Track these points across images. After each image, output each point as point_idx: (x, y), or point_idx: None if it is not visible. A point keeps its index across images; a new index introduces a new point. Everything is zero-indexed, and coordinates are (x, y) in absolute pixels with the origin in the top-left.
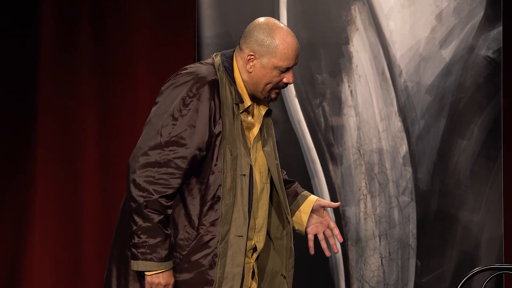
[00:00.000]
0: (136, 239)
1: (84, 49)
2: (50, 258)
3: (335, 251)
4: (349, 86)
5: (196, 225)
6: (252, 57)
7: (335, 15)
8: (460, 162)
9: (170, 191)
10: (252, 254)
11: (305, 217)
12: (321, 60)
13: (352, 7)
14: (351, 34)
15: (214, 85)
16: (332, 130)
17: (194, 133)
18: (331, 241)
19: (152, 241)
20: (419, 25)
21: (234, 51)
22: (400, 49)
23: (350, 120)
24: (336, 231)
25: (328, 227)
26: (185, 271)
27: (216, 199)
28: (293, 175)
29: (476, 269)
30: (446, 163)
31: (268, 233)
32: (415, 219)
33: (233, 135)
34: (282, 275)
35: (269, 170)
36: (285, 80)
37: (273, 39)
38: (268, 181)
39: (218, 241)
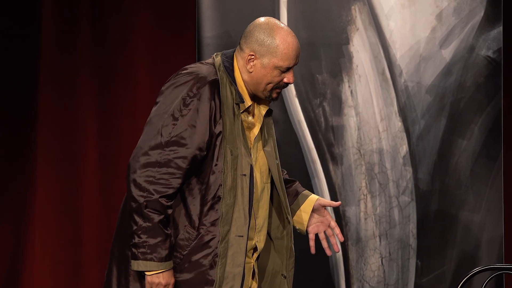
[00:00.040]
0: (137, 239)
1: (84, 49)
2: (50, 258)
3: (336, 250)
4: (349, 86)
5: (197, 225)
6: (253, 57)
7: (335, 15)
8: (460, 162)
9: (170, 191)
10: (253, 254)
11: (306, 217)
12: (321, 60)
13: (353, 7)
14: (352, 34)
15: (215, 85)
16: (332, 130)
17: (195, 133)
18: (332, 240)
19: (152, 241)
20: (420, 25)
21: (234, 51)
22: (400, 49)
23: (351, 120)
24: (337, 230)
25: (329, 226)
26: (185, 271)
27: (217, 199)
28: (294, 175)
29: (476, 269)
30: (447, 163)
31: (268, 233)
32: (415, 219)
33: (234, 135)
34: (282, 275)
35: (269, 170)
36: (285, 80)
37: (273, 39)
38: (269, 181)
39: (218, 241)
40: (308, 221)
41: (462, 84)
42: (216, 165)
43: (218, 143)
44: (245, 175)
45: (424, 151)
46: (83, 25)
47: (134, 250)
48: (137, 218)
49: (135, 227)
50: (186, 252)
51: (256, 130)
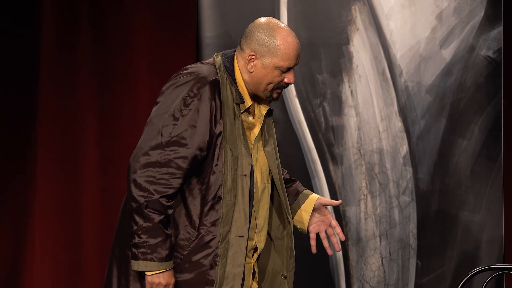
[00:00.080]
0: (137, 239)
1: (84, 49)
2: (50, 258)
3: (337, 249)
4: (349, 86)
5: (197, 225)
6: (253, 57)
7: (336, 15)
8: (460, 162)
9: (170, 191)
10: (253, 254)
11: (307, 216)
12: (321, 60)
13: (353, 7)
14: (352, 34)
15: (215, 85)
16: (332, 130)
17: (195, 133)
18: (333, 239)
19: (152, 241)
20: (420, 25)
21: (235, 51)
22: (400, 49)
23: (351, 120)
24: (338, 229)
25: (330, 225)
26: (185, 271)
27: (217, 199)
28: (294, 175)
29: (477, 269)
30: (447, 163)
31: (268, 233)
32: (416, 219)
33: (234, 135)
34: (282, 275)
35: (270, 170)
36: (286, 80)
37: (274, 39)
38: (269, 181)
39: (219, 241)
40: (309, 220)
41: (462, 84)
42: (216, 165)
43: (218, 143)
44: (245, 175)
45: (424, 151)
46: (83, 25)
47: (134, 250)
48: (138, 218)
49: (135, 227)
50: (186, 252)
51: (256, 130)
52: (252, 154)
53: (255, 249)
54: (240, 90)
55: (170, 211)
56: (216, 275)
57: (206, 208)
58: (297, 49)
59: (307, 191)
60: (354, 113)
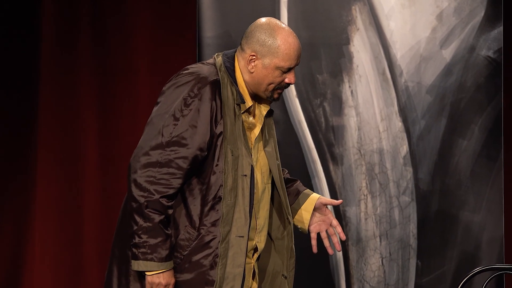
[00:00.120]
0: (137, 239)
1: (84, 49)
2: (50, 258)
3: (338, 249)
4: (349, 86)
5: (197, 225)
6: (254, 57)
7: (336, 15)
8: (460, 162)
9: (171, 191)
10: (253, 255)
11: (307, 216)
12: (321, 60)
13: (353, 7)
14: (352, 34)
15: (216, 86)
16: (332, 130)
17: (196, 133)
18: (334, 239)
19: (152, 241)
20: (420, 25)
21: (235, 51)
22: (400, 49)
23: (351, 120)
24: (339, 228)
25: (330, 225)
26: (185, 271)
27: (217, 199)
28: (294, 175)
29: (477, 269)
30: (447, 163)
31: (269, 234)
32: (416, 219)
33: (235, 135)
34: (283, 275)
35: (270, 170)
36: (287, 80)
37: (274, 39)
38: (270, 181)
39: (219, 242)
40: (310, 220)
41: (463, 84)
42: (217, 165)
43: (219, 143)
44: (246, 175)
45: (425, 151)
46: (83, 25)
47: (134, 250)
48: (138, 218)
49: (135, 227)
50: (186, 252)
51: (257, 131)
52: (253, 154)
53: (255, 249)
54: (241, 90)
55: (170, 211)
56: (216, 275)
57: (207, 208)
58: (298, 49)
59: (307, 190)
60: (354, 113)
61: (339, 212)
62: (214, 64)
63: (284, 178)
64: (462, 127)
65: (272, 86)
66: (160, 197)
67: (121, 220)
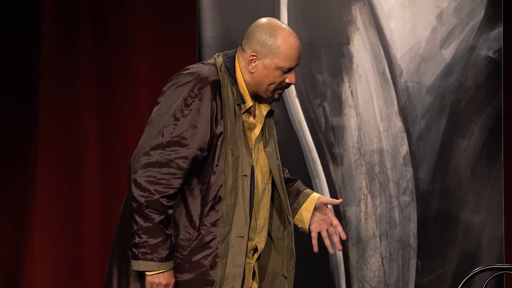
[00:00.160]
0: (137, 239)
1: (84, 49)
2: (50, 258)
3: (339, 248)
4: (349, 86)
5: (197, 225)
6: (254, 57)
7: (336, 15)
8: (460, 162)
9: (171, 191)
10: (253, 255)
11: (308, 215)
12: (321, 60)
13: (353, 7)
14: (352, 34)
15: (216, 86)
16: (332, 130)
17: (196, 133)
18: (335, 238)
19: (152, 241)
20: (420, 25)
21: (236, 51)
22: (400, 49)
23: (351, 120)
24: (340, 228)
25: (331, 224)
26: (185, 272)
27: (218, 199)
28: (294, 175)
29: (477, 269)
30: (447, 163)
31: (269, 234)
32: (416, 219)
33: (235, 135)
34: (283, 275)
35: (270, 170)
36: (287, 80)
37: (275, 39)
38: (270, 181)
39: (219, 242)
40: (310, 219)
41: (463, 84)
42: (217, 165)
43: (219, 143)
44: (246, 175)
45: (425, 151)
46: (83, 25)
47: (134, 250)
48: (138, 218)
49: (135, 227)
50: (186, 252)
51: (257, 131)
52: (253, 154)
53: (255, 249)
54: (241, 90)
55: (170, 211)
56: (216, 276)
57: (207, 209)
58: (298, 50)
59: (308, 190)
60: (354, 113)
61: (339, 212)
62: (215, 64)
63: (284, 177)
64: (462, 127)
65: (272, 86)
66: (160, 197)
67: (121, 220)
